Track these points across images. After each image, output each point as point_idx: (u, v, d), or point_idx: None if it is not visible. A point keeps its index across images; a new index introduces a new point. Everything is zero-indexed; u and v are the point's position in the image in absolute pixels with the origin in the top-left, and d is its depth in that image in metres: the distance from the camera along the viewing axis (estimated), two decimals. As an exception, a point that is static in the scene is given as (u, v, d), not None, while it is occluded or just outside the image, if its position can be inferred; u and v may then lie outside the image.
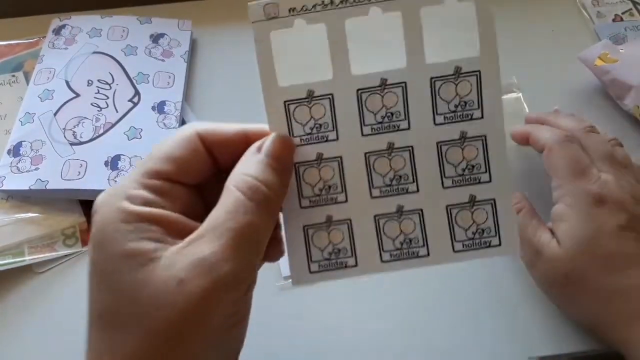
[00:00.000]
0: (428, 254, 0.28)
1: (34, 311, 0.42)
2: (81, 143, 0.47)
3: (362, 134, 0.27)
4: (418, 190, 0.27)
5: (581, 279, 0.35)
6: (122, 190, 0.25)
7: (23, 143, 0.47)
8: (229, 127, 0.27)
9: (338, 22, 0.26)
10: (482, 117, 0.27)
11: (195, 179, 0.27)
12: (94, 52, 0.53)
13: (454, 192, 0.28)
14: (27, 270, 0.43)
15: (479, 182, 0.28)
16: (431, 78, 0.27)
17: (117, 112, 0.49)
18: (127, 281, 0.23)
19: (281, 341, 0.39)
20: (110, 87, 0.50)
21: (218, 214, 0.24)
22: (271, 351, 0.38)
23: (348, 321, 0.40)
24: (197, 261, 0.23)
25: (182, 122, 0.50)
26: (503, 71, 0.55)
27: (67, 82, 0.50)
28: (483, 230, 0.28)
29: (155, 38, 0.54)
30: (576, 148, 0.38)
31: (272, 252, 0.27)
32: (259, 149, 0.26)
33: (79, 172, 0.45)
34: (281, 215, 0.28)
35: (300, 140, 0.27)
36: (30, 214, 0.45)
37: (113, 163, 0.46)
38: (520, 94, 0.51)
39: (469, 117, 0.27)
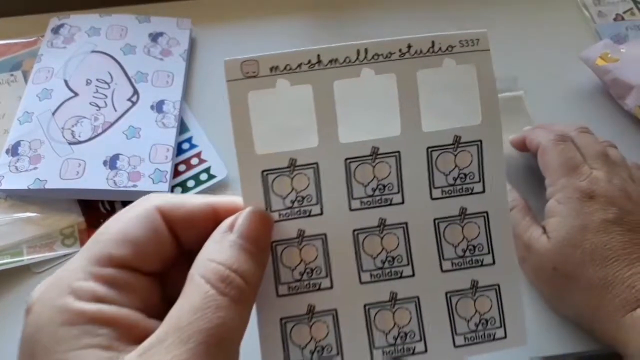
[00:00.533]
0: (425, 350, 0.24)
1: (32, 311, 0.41)
2: (80, 142, 0.47)
3: (350, 209, 0.24)
4: (414, 275, 0.24)
5: (569, 272, 0.36)
6: (65, 283, 0.20)
7: (21, 142, 0.47)
8: (194, 199, 0.23)
9: (326, 84, 0.23)
10: (483, 191, 0.25)
11: (156, 266, 0.22)
12: (93, 51, 0.52)
13: (454, 277, 0.24)
14: (25, 270, 0.43)
15: (481, 265, 0.25)
16: (428, 148, 0.24)
17: (115, 111, 0.49)
18: None
19: None
20: (109, 87, 0.50)
21: (182, 312, 0.19)
22: None
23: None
24: None
25: (181, 122, 0.50)
26: (504, 70, 0.55)
27: (65, 82, 0.50)
28: (487, 321, 0.24)
29: (154, 37, 0.54)
30: (569, 146, 0.40)
31: None
32: (230, 228, 0.22)
33: (78, 171, 0.45)
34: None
35: (279, 215, 0.24)
36: (28, 214, 0.45)
37: (112, 162, 0.46)
38: (522, 92, 0.51)
39: (469, 191, 0.25)
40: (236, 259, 0.21)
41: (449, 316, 0.24)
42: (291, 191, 0.24)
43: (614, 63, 0.49)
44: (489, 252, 0.25)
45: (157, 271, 0.22)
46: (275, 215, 0.24)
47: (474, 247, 0.25)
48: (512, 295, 0.25)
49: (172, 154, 0.47)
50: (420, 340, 0.24)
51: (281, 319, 0.24)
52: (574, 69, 0.52)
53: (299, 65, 0.23)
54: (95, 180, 0.45)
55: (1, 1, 0.58)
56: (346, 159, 0.24)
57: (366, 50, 0.24)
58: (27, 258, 0.43)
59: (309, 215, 0.24)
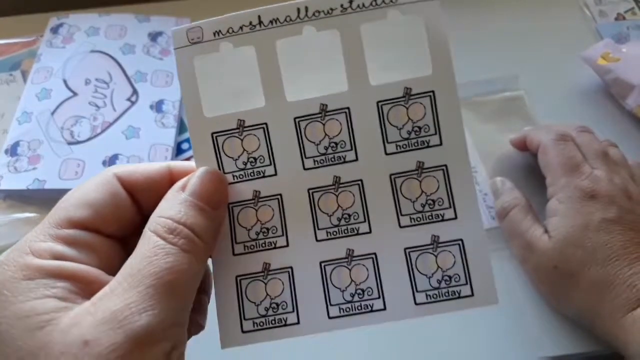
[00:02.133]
0: (384, 307, 0.24)
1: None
2: (79, 142, 0.47)
3: (304, 168, 0.24)
4: (370, 231, 0.24)
5: (570, 271, 0.36)
6: (25, 245, 0.21)
7: (20, 142, 0.46)
8: (151, 165, 0.24)
9: (268, 44, 0.24)
10: (440, 143, 0.24)
11: (117, 228, 0.23)
12: (92, 51, 0.52)
13: (413, 232, 0.24)
14: (24, 271, 0.43)
15: (442, 220, 0.24)
16: (378, 102, 0.24)
17: (115, 111, 0.49)
18: (19, 349, 0.19)
19: None
20: (108, 86, 0.50)
21: (133, 262, 0.20)
22: None
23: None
24: (107, 317, 0.19)
25: (181, 121, 0.50)
26: (505, 69, 0.54)
27: (64, 81, 0.50)
28: (450, 278, 0.24)
29: (154, 37, 0.54)
30: (569, 146, 0.40)
31: (191, 323, 0.23)
32: (183, 188, 0.23)
33: (77, 171, 0.45)
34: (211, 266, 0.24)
35: (233, 177, 0.24)
36: (27, 214, 0.45)
37: (111, 162, 0.46)
38: (523, 92, 0.51)
39: (426, 144, 0.24)
40: (184, 213, 0.22)
41: (408, 273, 0.24)
42: (242, 152, 0.24)
43: (615, 62, 0.49)
44: (450, 207, 0.24)
45: (118, 233, 0.23)
46: (230, 177, 0.24)
47: (434, 201, 0.24)
48: (478, 251, 0.24)
49: (171, 154, 0.47)
50: (379, 297, 0.24)
51: (237, 277, 0.24)
52: (575, 69, 0.52)
53: (241, 28, 0.24)
54: (95, 180, 0.44)
55: (0, 1, 0.58)
56: (295, 118, 0.24)
57: (306, 8, 0.24)
58: (26, 258, 0.43)
59: (264, 176, 0.24)
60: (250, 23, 0.24)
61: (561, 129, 0.41)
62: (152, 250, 0.20)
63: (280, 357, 0.38)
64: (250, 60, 0.24)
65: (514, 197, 0.41)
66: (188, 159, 0.48)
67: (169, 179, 0.24)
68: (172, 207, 0.22)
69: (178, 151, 0.48)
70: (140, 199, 0.24)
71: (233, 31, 0.24)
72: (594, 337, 0.37)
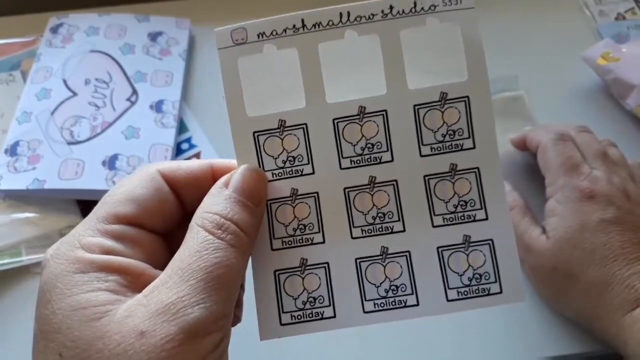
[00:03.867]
0: (417, 303, 0.25)
1: (31, 312, 0.41)
2: (78, 142, 0.47)
3: (341, 167, 0.25)
4: (404, 230, 0.25)
5: (568, 272, 0.36)
6: (74, 239, 0.22)
7: (20, 142, 0.46)
8: (193, 162, 0.25)
9: (311, 47, 0.24)
10: (473, 147, 0.25)
11: (161, 224, 0.24)
12: (92, 51, 0.52)
13: (445, 232, 0.25)
14: (24, 271, 0.43)
15: (474, 220, 0.25)
16: (414, 105, 0.25)
17: (114, 111, 0.49)
18: (76, 339, 0.19)
19: None
20: (108, 86, 0.50)
21: (182, 256, 0.21)
22: None
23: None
24: (160, 309, 0.20)
25: (180, 121, 0.50)
26: (505, 69, 0.54)
27: (64, 81, 0.50)
28: (481, 276, 0.25)
29: (154, 36, 0.54)
30: (569, 146, 0.40)
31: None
32: (226, 185, 0.23)
33: (77, 171, 0.45)
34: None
35: (272, 174, 0.25)
36: (27, 214, 0.45)
37: (111, 162, 0.46)
38: (523, 92, 0.51)
39: (459, 147, 0.25)
40: (231, 209, 0.22)
41: (441, 270, 0.25)
42: (282, 151, 0.25)
43: (615, 62, 0.49)
44: (481, 208, 0.25)
45: (162, 229, 0.24)
46: (269, 175, 0.25)
47: (466, 202, 0.25)
48: (507, 250, 0.25)
49: (171, 154, 0.47)
50: (412, 293, 0.25)
51: (275, 271, 0.25)
52: (575, 69, 0.51)
53: (285, 30, 0.24)
54: (94, 180, 0.44)
55: (0, 1, 0.58)
56: (334, 119, 0.25)
57: (349, 13, 0.24)
58: (26, 258, 0.43)
59: (302, 175, 0.25)
60: (294, 26, 0.24)
61: (560, 129, 0.41)
62: (201, 244, 0.21)
63: (280, 356, 0.38)
64: (292, 62, 0.24)
65: (512, 199, 0.41)
66: (188, 159, 0.48)
67: (211, 176, 0.24)
68: (218, 203, 0.23)
69: (178, 151, 0.48)
70: (183, 195, 0.24)
71: (277, 33, 0.24)
72: (594, 337, 0.37)
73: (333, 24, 0.24)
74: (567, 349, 0.38)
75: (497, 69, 0.53)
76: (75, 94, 0.49)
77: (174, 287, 0.20)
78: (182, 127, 0.50)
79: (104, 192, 0.44)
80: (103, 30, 0.54)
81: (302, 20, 0.24)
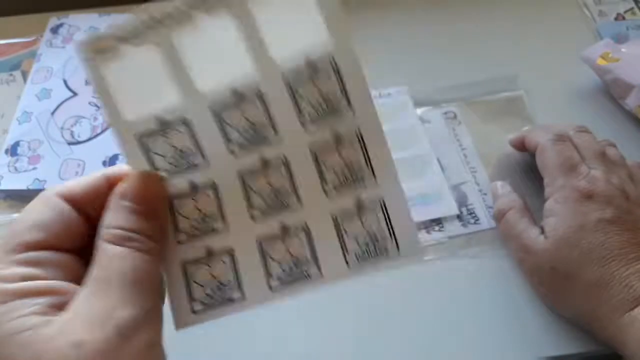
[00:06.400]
0: (321, 274, 0.25)
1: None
2: (79, 142, 0.47)
3: (231, 153, 0.25)
4: (301, 204, 0.25)
5: (567, 272, 0.36)
6: None
7: (21, 142, 0.47)
8: (86, 178, 0.25)
9: (165, 39, 0.24)
10: (351, 111, 0.25)
11: (71, 242, 0.24)
12: (92, 51, 0.52)
13: (338, 199, 0.25)
14: (24, 271, 0.43)
15: (363, 184, 0.25)
16: (284, 78, 0.24)
17: (115, 111, 0.49)
18: None
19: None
20: (108, 86, 0.50)
21: (97, 271, 0.22)
22: None
23: (349, 323, 0.40)
24: (90, 319, 0.21)
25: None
26: (504, 69, 0.54)
27: (64, 81, 0.50)
28: (377, 236, 0.25)
29: (154, 37, 0.54)
30: (567, 146, 0.40)
31: None
32: (123, 195, 0.24)
33: (77, 171, 0.45)
34: None
35: (167, 172, 0.25)
36: (27, 214, 0.45)
37: (111, 163, 0.46)
38: (522, 92, 0.51)
39: (337, 112, 0.25)
40: (131, 220, 0.23)
41: (338, 238, 0.25)
42: (170, 148, 0.25)
43: (614, 63, 0.49)
44: (368, 169, 0.25)
45: (73, 247, 0.24)
46: (164, 174, 0.25)
47: (354, 167, 0.25)
48: (398, 209, 0.25)
49: (171, 154, 0.47)
50: (314, 264, 0.25)
51: (183, 263, 0.25)
52: (574, 69, 0.51)
53: (136, 28, 0.24)
54: (95, 180, 0.45)
55: (0, 1, 0.58)
56: (211, 106, 0.24)
57: None
58: (26, 258, 0.43)
59: (196, 166, 0.25)
60: (143, 22, 0.24)
61: (559, 129, 0.41)
62: (113, 256, 0.22)
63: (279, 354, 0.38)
64: (153, 58, 0.24)
65: (511, 200, 0.41)
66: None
67: (108, 186, 0.25)
68: (118, 216, 0.23)
69: (178, 151, 0.48)
70: (86, 211, 0.25)
71: (131, 33, 0.24)
72: (593, 337, 0.37)
73: (180, 11, 0.24)
74: (566, 349, 0.38)
75: (497, 69, 0.53)
76: (75, 94, 0.50)
77: (98, 297, 0.21)
78: (182, 127, 0.50)
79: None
80: (103, 30, 0.54)
81: (151, 15, 0.24)
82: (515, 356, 0.38)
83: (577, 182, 0.37)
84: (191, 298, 0.25)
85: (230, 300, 0.25)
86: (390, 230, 0.25)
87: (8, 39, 0.55)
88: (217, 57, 0.24)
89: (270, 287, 0.25)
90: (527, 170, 0.45)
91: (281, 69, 0.24)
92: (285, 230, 0.25)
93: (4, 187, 0.44)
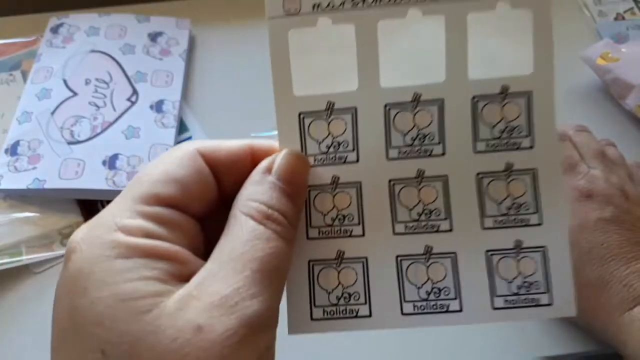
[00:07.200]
0: (461, 309, 0.23)
1: (32, 311, 0.41)
2: (79, 142, 0.47)
3: (388, 158, 0.23)
4: (451, 230, 0.23)
5: None
6: (111, 221, 0.19)
7: (20, 142, 0.47)
8: (232, 142, 0.23)
9: (370, 24, 0.22)
10: (531, 146, 0.23)
11: (201, 207, 0.22)
12: (92, 51, 0.52)
13: (495, 235, 0.23)
14: (24, 270, 0.43)
15: (527, 225, 0.23)
16: (473, 97, 0.23)
17: (114, 111, 0.49)
18: (123, 333, 0.17)
19: None
20: (108, 86, 0.50)
21: (233, 245, 0.20)
22: None
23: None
24: (216, 301, 0.18)
25: (181, 121, 0.50)
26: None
27: (64, 81, 0.50)
28: (530, 285, 0.23)
29: (154, 37, 0.54)
30: (567, 145, 0.40)
31: None
32: (269, 169, 0.22)
33: (77, 171, 0.45)
34: None
35: (314, 160, 0.23)
36: (27, 214, 0.45)
37: (111, 162, 0.46)
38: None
39: (517, 146, 0.23)
40: (276, 198, 0.21)
41: (488, 277, 0.23)
42: (327, 135, 0.23)
43: (614, 62, 0.49)
44: (536, 212, 0.23)
45: (201, 213, 0.22)
46: (311, 160, 0.23)
47: (520, 205, 0.23)
48: (560, 259, 0.23)
49: (171, 154, 0.47)
50: (455, 298, 0.23)
51: (309, 261, 0.23)
52: (574, 69, 0.52)
53: (342, 4, 0.22)
54: (95, 180, 0.45)
55: (0, 1, 0.58)
56: (386, 105, 0.23)
57: None
58: (26, 258, 0.43)
59: (345, 162, 0.23)
60: (353, 0, 0.22)
61: (559, 128, 0.42)
62: (252, 234, 0.20)
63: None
64: (348, 39, 0.22)
65: None
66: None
67: (251, 158, 0.23)
68: (263, 191, 0.21)
69: (178, 151, 0.48)
70: (221, 177, 0.22)
71: (334, 6, 0.22)
72: (593, 337, 0.37)
73: (396, 0, 0.22)
74: (566, 349, 0.38)
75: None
76: (75, 93, 0.50)
77: (227, 279, 0.19)
78: (182, 127, 0.50)
79: (104, 192, 0.44)
80: (103, 30, 0.54)
81: None
82: (515, 356, 0.38)
83: (576, 182, 0.37)
84: (313, 302, 0.23)
85: (355, 315, 0.23)
86: (548, 281, 0.23)
87: (8, 39, 0.55)
88: (413, 57, 0.23)
89: (401, 311, 0.23)
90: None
91: (473, 91, 0.23)
92: (429, 254, 0.23)
93: (3, 186, 0.44)
